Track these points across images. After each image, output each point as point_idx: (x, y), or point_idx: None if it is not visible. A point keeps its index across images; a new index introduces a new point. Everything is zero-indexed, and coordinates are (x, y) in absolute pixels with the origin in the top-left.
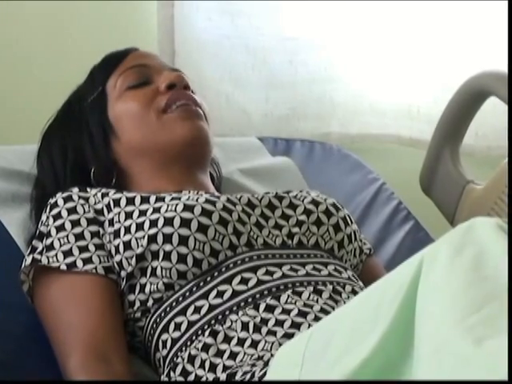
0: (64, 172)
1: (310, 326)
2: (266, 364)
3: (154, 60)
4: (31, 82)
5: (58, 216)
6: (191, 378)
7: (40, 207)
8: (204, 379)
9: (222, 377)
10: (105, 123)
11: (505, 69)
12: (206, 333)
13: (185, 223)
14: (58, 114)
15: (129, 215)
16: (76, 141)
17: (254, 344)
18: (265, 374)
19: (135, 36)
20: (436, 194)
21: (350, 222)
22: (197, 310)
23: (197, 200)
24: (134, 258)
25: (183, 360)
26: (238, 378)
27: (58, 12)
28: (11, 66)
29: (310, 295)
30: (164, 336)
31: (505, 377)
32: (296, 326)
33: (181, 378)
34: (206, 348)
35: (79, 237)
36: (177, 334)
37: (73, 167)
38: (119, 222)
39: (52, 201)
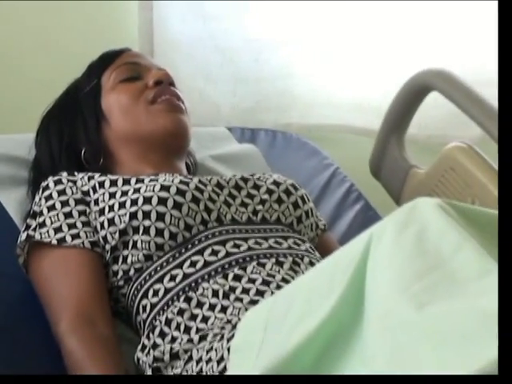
0: (59, 151)
1: (272, 293)
2: (234, 327)
3: (144, 59)
4: (18, 80)
5: (49, 197)
6: (168, 338)
7: (36, 188)
8: (179, 340)
9: (195, 338)
10: (98, 111)
11: (445, 66)
12: (181, 299)
13: (162, 201)
14: (56, 102)
15: (112, 195)
16: (71, 124)
17: (224, 309)
18: (232, 336)
19: (118, 37)
20: (384, 177)
21: (307, 201)
22: (173, 278)
23: (172, 181)
24: (117, 233)
25: (161, 323)
26: (209, 339)
27: (45, 13)
28: (5, 64)
29: (272, 266)
30: (144, 301)
31: (444, 340)
32: (260, 293)
33: (159, 339)
34: (181, 312)
35: (68, 215)
36: (155, 300)
37: (67, 147)
38: (104, 201)
39: (44, 184)
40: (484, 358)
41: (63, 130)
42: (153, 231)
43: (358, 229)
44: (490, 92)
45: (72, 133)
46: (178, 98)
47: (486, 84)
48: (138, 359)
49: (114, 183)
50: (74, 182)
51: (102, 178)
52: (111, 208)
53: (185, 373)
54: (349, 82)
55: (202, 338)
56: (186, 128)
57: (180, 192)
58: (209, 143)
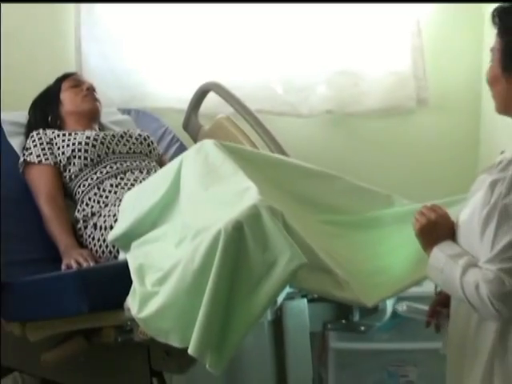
0: (40, 116)
1: (138, 185)
2: (120, 200)
3: (83, 78)
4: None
5: (33, 141)
6: (89, 206)
7: (27, 137)
8: (95, 207)
9: (102, 206)
10: (58, 99)
11: (219, 78)
12: (95, 188)
13: (86, 143)
14: (40, 94)
15: (63, 141)
16: (46, 104)
17: (115, 192)
18: (119, 204)
19: (63, 68)
20: (189, 131)
21: (154, 143)
22: (91, 178)
23: (91, 134)
24: (65, 159)
25: (85, 199)
26: (109, 206)
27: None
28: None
29: (138, 174)
30: (79, 189)
31: (219, 203)
32: (133, 185)
33: (85, 206)
34: (95, 194)
35: (42, 149)
36: (83, 189)
37: (44, 115)
38: (59, 143)
39: (31, 134)
40: (237, 210)
41: (42, 107)
42: (82, 158)
43: (177, 154)
44: (238, 92)
45: (45, 108)
46: (95, 96)
47: (236, 88)
48: (75, 216)
49: (64, 135)
50: (45, 134)
51: (58, 132)
52: (63, 147)
53: (98, 222)
54: (176, 87)
55: (106, 206)
56: (99, 109)
57: (95, 139)
58: (108, 116)
